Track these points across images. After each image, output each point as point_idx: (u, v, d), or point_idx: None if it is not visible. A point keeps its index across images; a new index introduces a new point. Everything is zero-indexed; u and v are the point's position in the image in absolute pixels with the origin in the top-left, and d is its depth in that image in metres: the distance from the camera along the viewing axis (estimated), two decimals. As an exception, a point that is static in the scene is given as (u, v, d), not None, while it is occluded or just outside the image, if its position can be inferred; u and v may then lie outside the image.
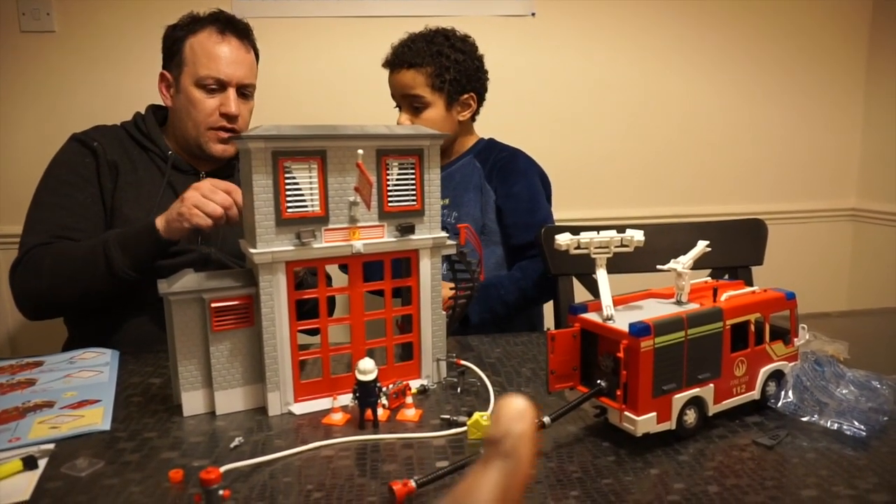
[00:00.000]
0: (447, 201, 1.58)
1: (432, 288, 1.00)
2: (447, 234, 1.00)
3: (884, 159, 2.36)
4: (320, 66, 2.09)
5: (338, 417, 0.90)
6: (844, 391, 0.90)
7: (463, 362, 1.00)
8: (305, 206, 0.89)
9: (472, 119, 1.67)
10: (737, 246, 1.51)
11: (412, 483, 0.69)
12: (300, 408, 0.93)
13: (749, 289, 0.90)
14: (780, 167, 2.41)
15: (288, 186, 0.88)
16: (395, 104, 1.62)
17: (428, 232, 0.98)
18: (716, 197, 2.38)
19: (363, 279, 0.96)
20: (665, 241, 1.48)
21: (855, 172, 2.47)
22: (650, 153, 2.32)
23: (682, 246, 1.49)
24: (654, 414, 0.78)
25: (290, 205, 0.88)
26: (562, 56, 2.22)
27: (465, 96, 1.59)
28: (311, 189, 0.89)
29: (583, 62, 2.24)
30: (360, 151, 0.88)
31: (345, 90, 2.10)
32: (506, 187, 1.59)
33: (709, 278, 0.98)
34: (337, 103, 2.11)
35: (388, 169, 0.94)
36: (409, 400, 0.91)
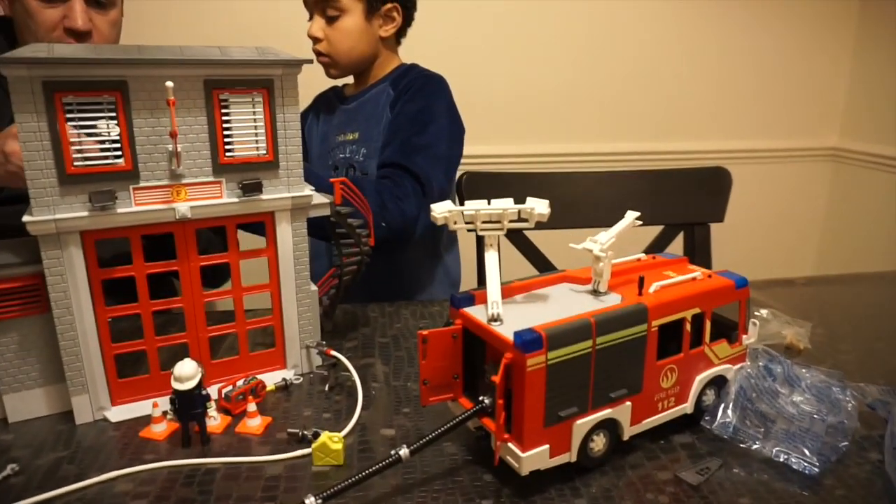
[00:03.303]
0: (356, 136, 1.34)
1: (296, 259, 0.79)
2: (312, 192, 0.78)
3: (873, 94, 2.13)
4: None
5: (160, 430, 0.70)
6: (798, 399, 0.72)
7: (333, 353, 0.80)
8: (102, 159, 0.66)
9: (398, 41, 1.40)
10: (695, 199, 1.30)
11: (197, 557, 0.50)
12: (119, 413, 0.73)
13: (689, 274, 0.70)
14: (755, 100, 2.17)
15: (73, 131, 0.64)
16: (308, 15, 1.34)
17: (286, 189, 0.76)
18: (682, 132, 2.14)
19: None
20: (613, 191, 1.27)
21: (840, 108, 2.24)
22: (613, 83, 2.07)
23: (631, 197, 1.30)
24: (545, 447, 0.59)
25: (78, 156, 0.65)
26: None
27: (388, 6, 1.32)
28: (109, 134, 0.66)
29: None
30: (170, 84, 0.64)
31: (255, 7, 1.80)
32: (401, 105, 1.30)
33: (642, 255, 0.78)
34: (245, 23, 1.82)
35: (223, 107, 0.70)
36: (251, 407, 0.72)
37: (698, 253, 1.31)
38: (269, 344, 0.83)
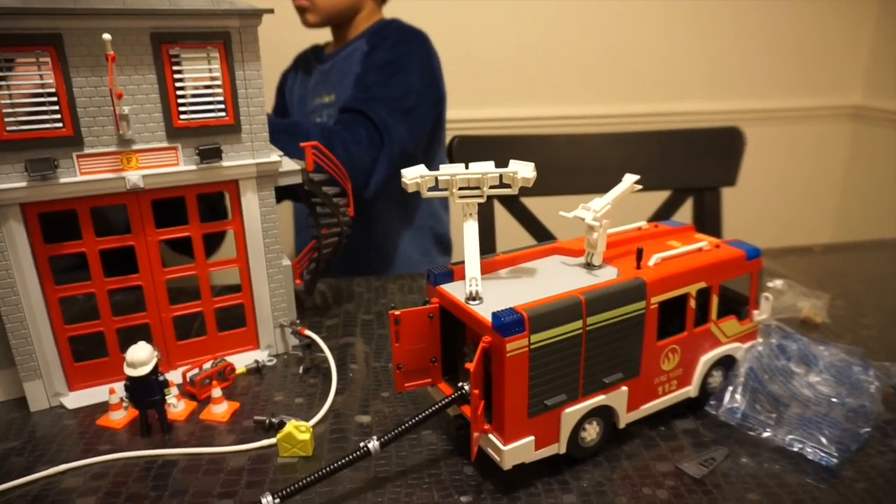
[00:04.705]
0: (333, 98, 1.25)
1: (265, 232, 0.73)
2: (280, 157, 0.71)
3: (898, 47, 2.00)
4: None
5: (118, 417, 0.65)
6: (815, 380, 0.65)
7: (307, 332, 0.74)
8: (40, 122, 0.60)
9: None
10: (705, 162, 1.21)
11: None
12: (77, 399, 0.68)
13: (695, 244, 0.63)
14: (771, 55, 2.04)
15: (3, 91, 0.58)
16: None
17: (250, 155, 0.69)
18: (693, 92, 2.03)
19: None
20: (618, 154, 1.19)
21: (863, 62, 2.12)
22: (620, 40, 1.96)
23: (638, 160, 1.22)
24: (530, 439, 0.53)
25: (10, 119, 0.59)
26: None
27: None
28: (44, 95, 0.59)
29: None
30: (107, 37, 0.57)
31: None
32: (372, 56, 1.20)
33: (643, 224, 0.71)
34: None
35: (174, 64, 0.63)
36: (216, 393, 0.66)
37: (708, 220, 1.23)
38: (240, 323, 0.77)
